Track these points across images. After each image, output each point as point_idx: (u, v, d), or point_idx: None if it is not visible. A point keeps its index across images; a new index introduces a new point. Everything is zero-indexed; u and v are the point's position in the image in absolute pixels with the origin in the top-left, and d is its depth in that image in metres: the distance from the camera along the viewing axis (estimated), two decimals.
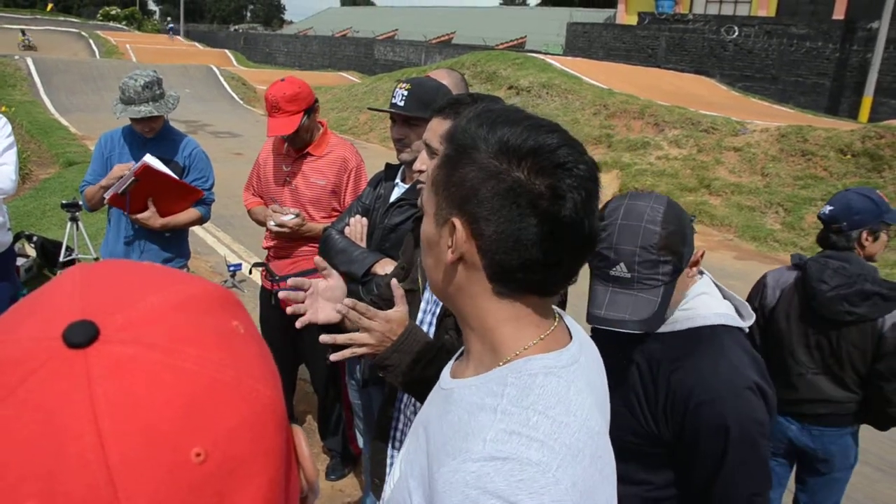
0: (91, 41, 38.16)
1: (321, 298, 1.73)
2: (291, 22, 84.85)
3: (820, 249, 2.80)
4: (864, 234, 2.64)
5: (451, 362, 1.14)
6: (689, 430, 1.41)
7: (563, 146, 0.91)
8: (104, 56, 34.08)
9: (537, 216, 0.90)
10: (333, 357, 1.60)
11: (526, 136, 0.91)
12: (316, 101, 3.35)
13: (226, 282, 6.62)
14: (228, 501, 0.49)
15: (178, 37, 29.79)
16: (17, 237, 5.93)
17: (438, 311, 1.82)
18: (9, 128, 3.55)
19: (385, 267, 2.36)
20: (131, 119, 3.39)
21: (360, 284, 2.33)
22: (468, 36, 39.81)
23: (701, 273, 1.58)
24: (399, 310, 1.62)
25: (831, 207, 2.70)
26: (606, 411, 1.05)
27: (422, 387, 1.60)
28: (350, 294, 1.83)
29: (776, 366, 2.75)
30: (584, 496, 0.85)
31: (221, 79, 26.01)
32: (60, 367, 0.46)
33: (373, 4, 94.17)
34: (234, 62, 37.66)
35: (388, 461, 1.92)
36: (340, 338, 1.57)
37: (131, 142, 3.53)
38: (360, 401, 2.95)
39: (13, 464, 0.44)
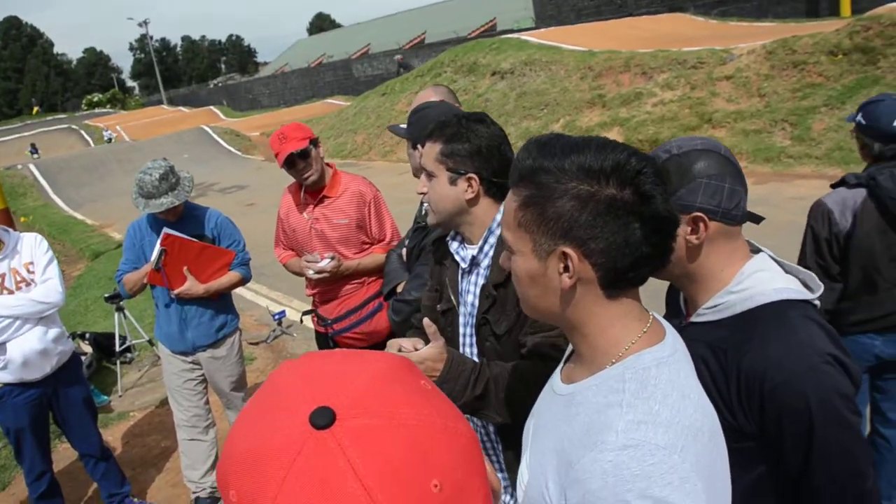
0: (82, 132, 38.85)
1: None
2: (266, 63, 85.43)
3: (835, 160, 2.85)
4: None
5: (558, 370, 1.26)
6: (770, 418, 1.30)
7: (632, 156, 1.04)
8: (98, 143, 34.70)
9: (638, 220, 1.02)
10: None
11: (602, 156, 1.03)
12: (317, 137, 3.57)
13: (274, 330, 6.83)
14: None
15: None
16: (70, 337, 6.18)
17: (474, 321, 1.93)
18: (45, 244, 3.74)
19: (399, 286, 2.63)
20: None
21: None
22: (439, 32, 39.90)
23: (757, 251, 1.49)
24: (435, 345, 1.73)
25: None
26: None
27: (474, 405, 1.74)
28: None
29: (862, 288, 2.78)
30: (707, 470, 0.98)
31: (215, 136, 26.38)
32: (317, 446, 0.61)
33: (340, 26, 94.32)
34: (222, 116, 38.13)
35: None
36: None
37: (157, 226, 3.68)
38: None
39: None
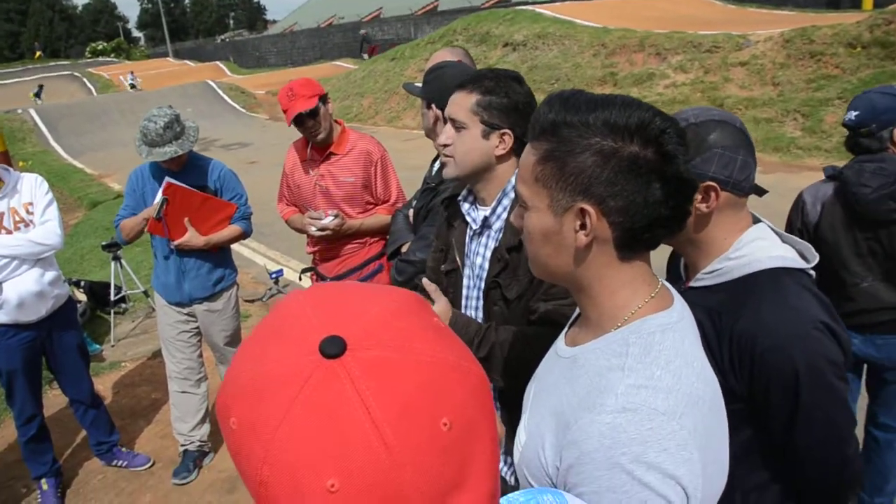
0: (85, 80, 38.50)
1: None
2: (275, 21, 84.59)
3: (845, 154, 2.79)
4: (895, 132, 2.61)
5: (562, 334, 1.24)
6: (759, 380, 1.34)
7: (657, 115, 1.01)
8: (100, 92, 34.36)
9: (660, 180, 0.99)
10: None
11: (627, 113, 1.00)
12: (326, 93, 3.49)
13: (270, 289, 6.79)
14: (470, 457, 0.62)
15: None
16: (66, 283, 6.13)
17: (483, 285, 1.88)
18: (46, 185, 3.67)
19: (404, 247, 2.59)
20: None
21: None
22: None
23: (757, 220, 1.51)
24: (440, 303, 1.71)
25: (857, 112, 2.65)
26: None
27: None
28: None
29: (831, 281, 2.70)
30: (704, 439, 0.97)
31: (220, 91, 26.18)
32: (326, 375, 0.58)
33: None
34: (228, 72, 37.82)
35: None
36: None
37: (160, 174, 3.62)
38: None
39: (312, 452, 0.56)
